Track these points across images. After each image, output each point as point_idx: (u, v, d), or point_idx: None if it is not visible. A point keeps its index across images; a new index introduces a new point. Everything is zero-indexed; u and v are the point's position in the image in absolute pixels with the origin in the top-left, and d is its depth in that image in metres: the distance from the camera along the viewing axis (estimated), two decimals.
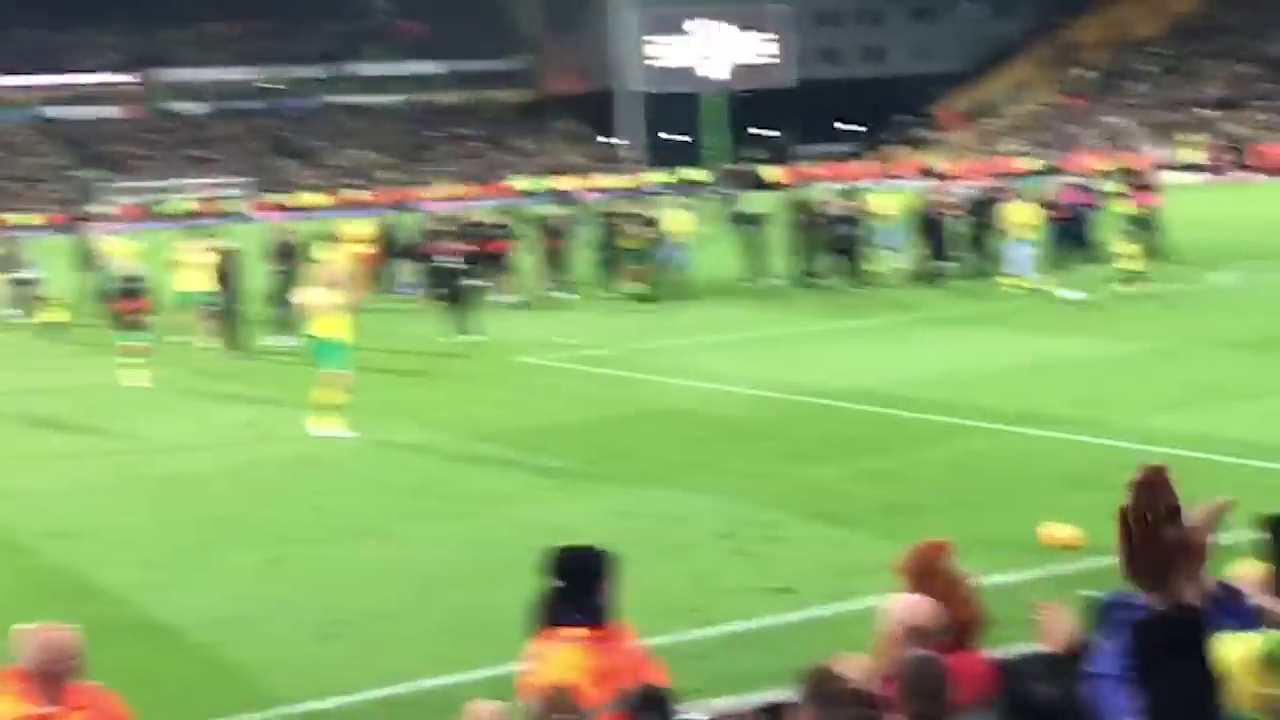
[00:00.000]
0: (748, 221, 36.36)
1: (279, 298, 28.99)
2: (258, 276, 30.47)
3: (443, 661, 10.54)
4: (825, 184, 57.30)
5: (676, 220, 35.76)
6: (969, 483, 15.04)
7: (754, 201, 41.11)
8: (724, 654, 10.34)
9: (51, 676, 6.50)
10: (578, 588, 7.17)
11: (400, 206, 58.43)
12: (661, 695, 6.24)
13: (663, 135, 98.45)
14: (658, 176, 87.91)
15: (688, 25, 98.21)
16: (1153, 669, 2.47)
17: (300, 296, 20.38)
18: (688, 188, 72.91)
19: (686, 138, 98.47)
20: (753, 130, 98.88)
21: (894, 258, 34.65)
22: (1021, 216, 31.58)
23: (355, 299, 20.29)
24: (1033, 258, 31.17)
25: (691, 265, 34.85)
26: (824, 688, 5.32)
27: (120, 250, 39.06)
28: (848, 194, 37.42)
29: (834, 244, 33.93)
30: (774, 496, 15.00)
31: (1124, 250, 29.53)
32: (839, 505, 14.54)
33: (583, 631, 7.07)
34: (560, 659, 6.94)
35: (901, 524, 13.61)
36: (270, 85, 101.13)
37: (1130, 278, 28.61)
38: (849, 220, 34.27)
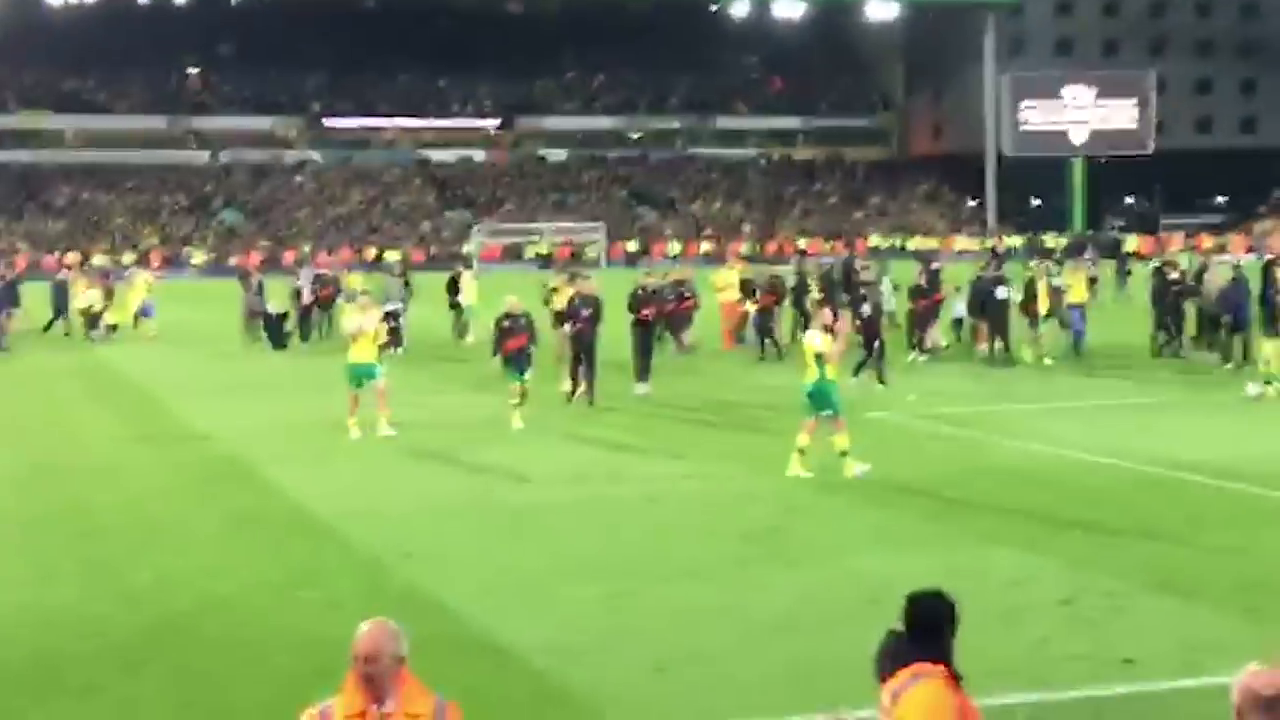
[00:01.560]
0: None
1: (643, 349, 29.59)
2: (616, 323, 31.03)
3: (767, 706, 10.57)
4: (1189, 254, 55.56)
5: (1076, 284, 35.01)
6: None
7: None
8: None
9: (371, 677, 6.70)
10: (926, 635, 7.06)
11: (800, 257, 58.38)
12: None
13: (1034, 200, 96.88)
14: (1017, 240, 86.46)
15: (1058, 89, 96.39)
16: None
17: (810, 341, 20.12)
18: (1045, 253, 71.44)
19: (1037, 201, 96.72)
20: (1128, 199, 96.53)
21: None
22: None
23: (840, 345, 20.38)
24: None
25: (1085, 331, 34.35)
26: None
27: (470, 288, 40.72)
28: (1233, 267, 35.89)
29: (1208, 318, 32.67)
30: (1118, 565, 14.57)
31: None
32: (1187, 578, 14.03)
33: (941, 669, 6.93)
34: (924, 694, 6.82)
35: (1255, 601, 13.11)
36: (632, 135, 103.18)
37: None
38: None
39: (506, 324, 25.34)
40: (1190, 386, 28.53)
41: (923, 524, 16.76)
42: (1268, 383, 26.35)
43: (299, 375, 33.45)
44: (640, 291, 30.34)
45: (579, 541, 16.36)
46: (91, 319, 43.93)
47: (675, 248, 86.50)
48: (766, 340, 34.94)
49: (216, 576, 14.91)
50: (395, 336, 37.79)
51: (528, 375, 24.84)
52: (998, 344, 32.76)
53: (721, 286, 37.46)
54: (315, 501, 18.57)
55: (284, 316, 40.42)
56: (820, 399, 19.52)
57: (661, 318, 32.29)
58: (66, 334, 44.37)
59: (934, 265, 36.60)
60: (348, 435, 23.35)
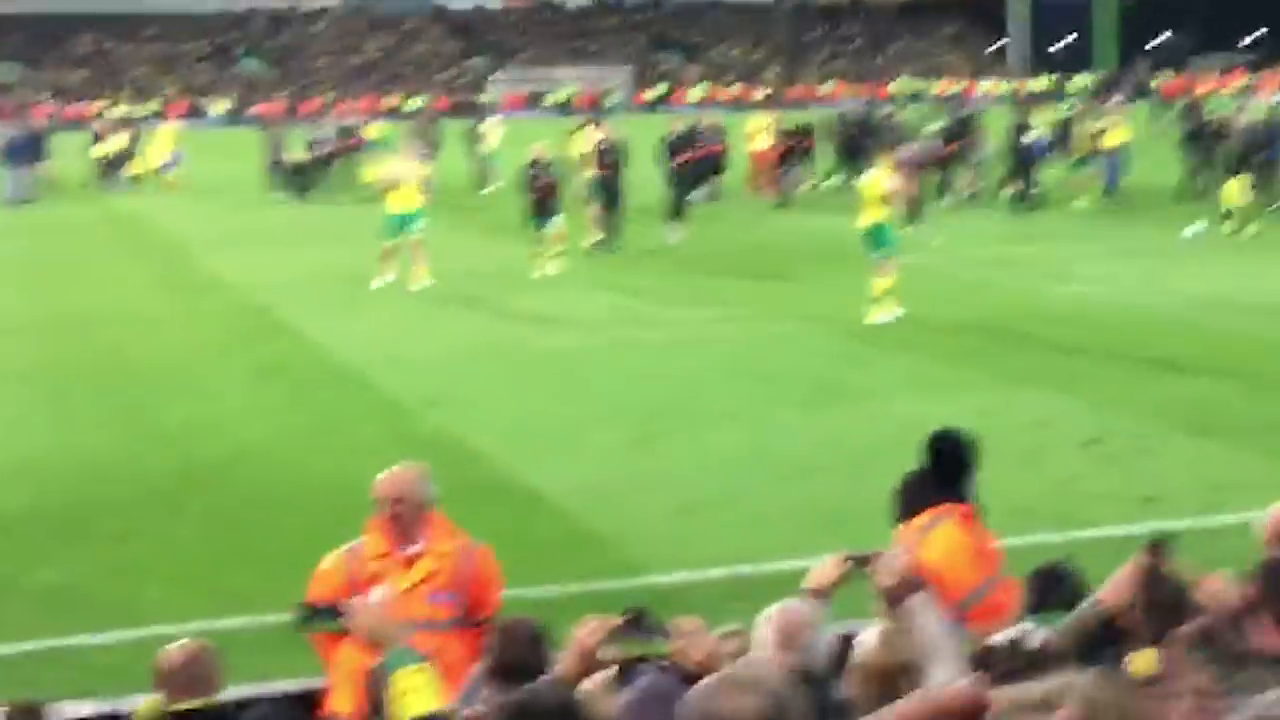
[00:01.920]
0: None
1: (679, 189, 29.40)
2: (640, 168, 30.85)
3: (793, 545, 10.62)
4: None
5: (1115, 128, 34.46)
6: None
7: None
8: (1085, 558, 10.15)
9: (398, 519, 6.76)
10: (948, 472, 7.12)
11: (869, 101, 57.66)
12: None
13: (1051, 48, 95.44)
14: (1042, 83, 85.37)
15: None
16: None
17: (878, 181, 20.13)
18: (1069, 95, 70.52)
19: (1069, 40, 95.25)
20: (1155, 41, 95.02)
21: None
22: None
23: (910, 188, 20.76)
24: None
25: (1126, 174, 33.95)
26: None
27: (493, 135, 40.44)
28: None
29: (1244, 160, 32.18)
30: (1145, 406, 14.58)
31: None
32: (1214, 419, 14.04)
33: (960, 508, 7.02)
34: (943, 534, 6.89)
35: (1278, 442, 13.12)
36: None
37: None
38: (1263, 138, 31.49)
39: (532, 172, 25.12)
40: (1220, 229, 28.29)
41: (949, 367, 16.75)
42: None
43: (322, 225, 33.35)
44: (673, 138, 30.05)
45: (606, 386, 16.44)
46: (108, 166, 43.55)
47: (699, 93, 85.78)
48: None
49: (246, 423, 15.04)
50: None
51: (554, 223, 24.64)
52: (1024, 186, 32.41)
53: (752, 133, 37.04)
54: (341, 349, 18.63)
55: (304, 166, 40.12)
56: (882, 238, 19.82)
57: (694, 163, 31.82)
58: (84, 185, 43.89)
59: (963, 110, 36.25)
60: (373, 284, 23.23)
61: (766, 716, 2.93)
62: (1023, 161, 32.59)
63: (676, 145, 29.99)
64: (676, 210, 28.94)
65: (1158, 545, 5.18)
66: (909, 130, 35.50)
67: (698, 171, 32.79)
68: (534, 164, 25.29)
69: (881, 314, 19.47)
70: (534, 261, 24.33)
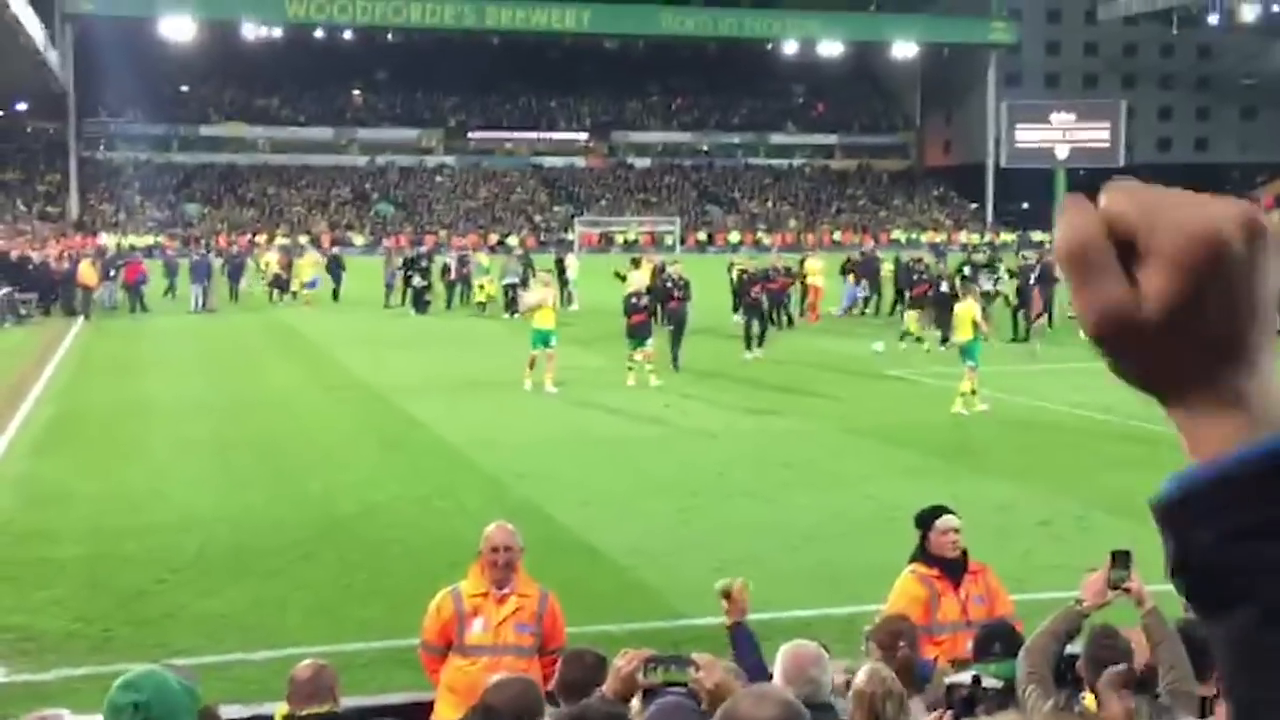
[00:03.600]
0: None
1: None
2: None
3: (804, 599, 10.61)
4: None
5: None
6: None
7: None
8: (1039, 616, 10.05)
9: (500, 564, 6.80)
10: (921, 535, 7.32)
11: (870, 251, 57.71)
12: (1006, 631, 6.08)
13: (1024, 204, 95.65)
14: (1009, 236, 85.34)
15: (1046, 114, 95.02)
16: None
17: (970, 310, 21.17)
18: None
19: (1026, 205, 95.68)
20: None
21: None
22: None
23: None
24: None
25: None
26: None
27: (574, 267, 40.40)
28: None
29: None
30: (1085, 494, 14.46)
31: None
32: (1141, 504, 13.81)
33: (922, 568, 7.11)
34: (899, 583, 7.15)
35: None
36: (703, 147, 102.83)
37: None
38: None
39: (633, 300, 23.97)
40: None
41: (930, 460, 16.70)
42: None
43: (438, 334, 33.56)
44: (746, 275, 28.94)
45: (657, 467, 16.44)
46: (279, 283, 43.76)
47: (735, 237, 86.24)
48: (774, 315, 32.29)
49: (371, 489, 15.12)
50: (513, 305, 37.75)
51: (649, 344, 23.60)
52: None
53: (810, 271, 36.39)
54: (449, 432, 18.73)
55: (427, 288, 39.95)
56: (973, 353, 20.74)
57: (769, 294, 30.73)
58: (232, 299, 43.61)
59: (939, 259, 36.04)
60: (522, 386, 22.50)
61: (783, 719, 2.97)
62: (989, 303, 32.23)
63: (752, 280, 28.64)
64: (758, 335, 27.54)
65: (1119, 555, 5.32)
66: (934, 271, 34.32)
67: (775, 302, 32.01)
68: (634, 294, 24.19)
69: (963, 408, 20.27)
70: (629, 374, 23.26)
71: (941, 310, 30.74)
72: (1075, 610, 5.40)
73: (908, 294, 31.79)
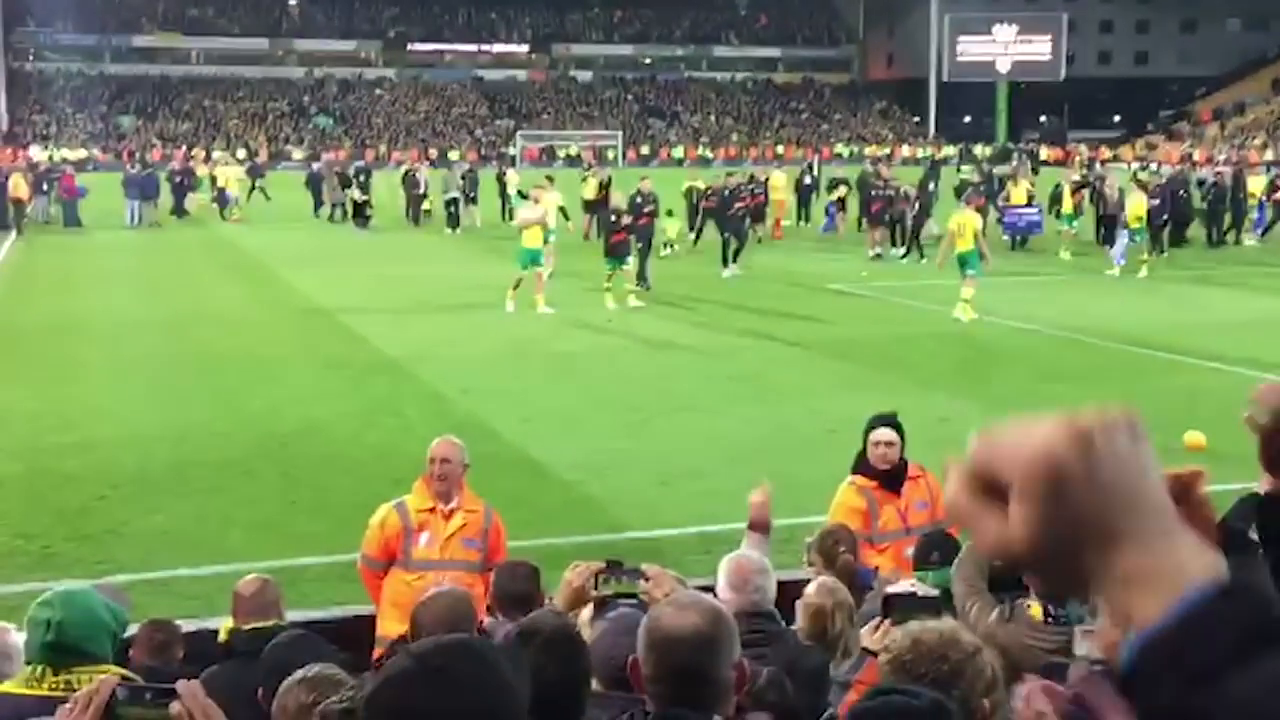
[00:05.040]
0: None
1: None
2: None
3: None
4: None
5: (1017, 192, 33.22)
6: (1195, 407, 14.28)
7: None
8: None
9: (438, 476, 6.79)
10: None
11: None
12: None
13: (966, 118, 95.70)
14: (950, 150, 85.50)
15: (988, 26, 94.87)
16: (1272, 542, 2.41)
17: (969, 221, 21.41)
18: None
19: (968, 119, 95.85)
20: (1041, 118, 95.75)
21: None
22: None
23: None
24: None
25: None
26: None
27: (514, 180, 39.89)
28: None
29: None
30: (1026, 406, 14.58)
31: None
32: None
33: (860, 479, 7.21)
34: (838, 493, 7.34)
35: None
36: (645, 60, 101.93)
37: None
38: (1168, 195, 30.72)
39: (613, 219, 23.12)
40: (1083, 270, 28.34)
41: (873, 373, 16.79)
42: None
43: (382, 250, 33.21)
44: (726, 191, 28.17)
45: (601, 382, 16.44)
46: (223, 199, 42.60)
47: (679, 153, 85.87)
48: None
49: (314, 405, 15.02)
50: (453, 219, 37.41)
51: (629, 262, 23.06)
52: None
53: (775, 187, 36.06)
54: (391, 348, 18.61)
55: (368, 203, 39.26)
56: (972, 261, 21.06)
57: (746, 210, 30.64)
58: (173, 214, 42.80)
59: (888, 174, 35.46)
60: (504, 307, 21.79)
61: (702, 632, 2.91)
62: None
63: (732, 196, 27.95)
64: (735, 252, 27.03)
65: None
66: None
67: (752, 218, 31.24)
68: (613, 211, 23.36)
69: (961, 314, 20.68)
70: (606, 295, 22.37)
71: (899, 224, 30.65)
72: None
73: (871, 209, 31.36)
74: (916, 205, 30.72)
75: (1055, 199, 32.75)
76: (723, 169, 39.17)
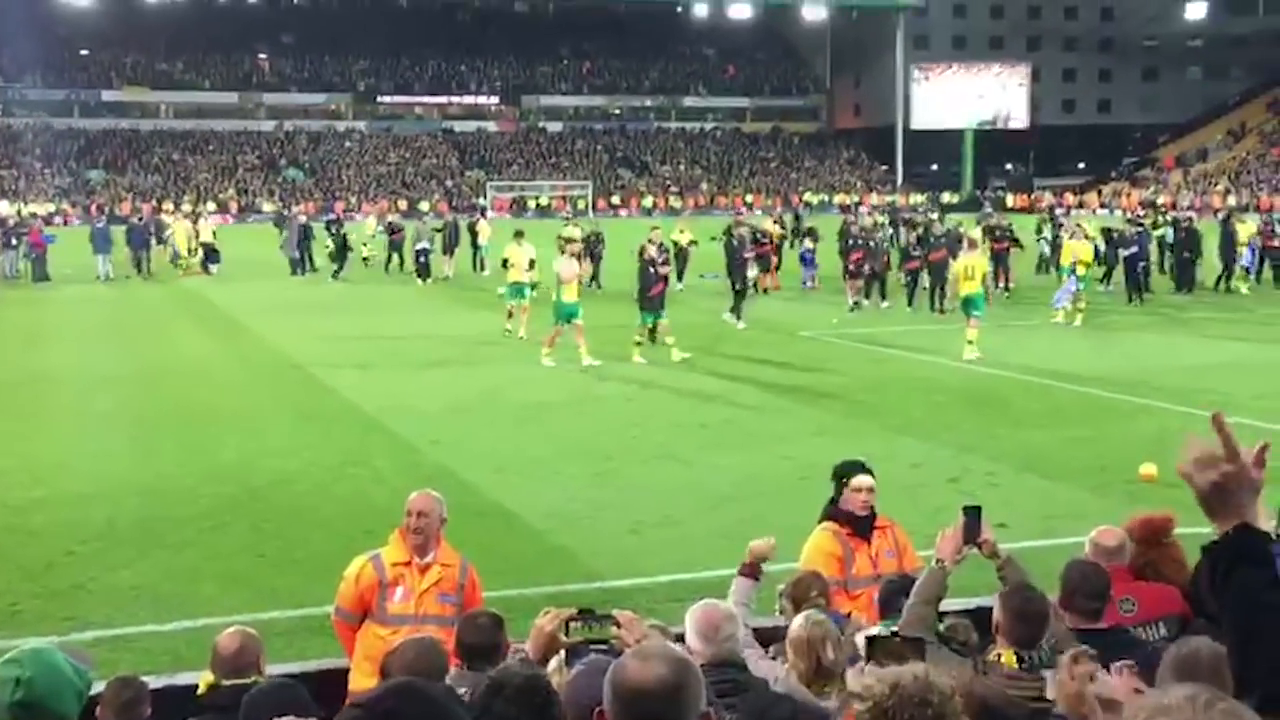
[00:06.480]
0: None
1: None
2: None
3: (720, 558, 10.63)
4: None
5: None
6: (1163, 450, 14.37)
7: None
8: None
9: (415, 529, 6.74)
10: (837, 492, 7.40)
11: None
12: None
13: (933, 165, 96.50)
14: (919, 198, 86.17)
15: (954, 76, 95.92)
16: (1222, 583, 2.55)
17: (976, 264, 22.27)
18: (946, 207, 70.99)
19: (935, 166, 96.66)
20: (1008, 165, 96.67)
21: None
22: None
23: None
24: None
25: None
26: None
27: (486, 231, 39.99)
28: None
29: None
30: (994, 451, 14.68)
31: None
32: (1048, 461, 14.15)
33: (834, 525, 7.21)
34: (811, 539, 7.26)
35: (1102, 480, 13.22)
36: (614, 110, 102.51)
37: None
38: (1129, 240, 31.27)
39: (652, 271, 22.29)
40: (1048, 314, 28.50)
41: (843, 419, 16.83)
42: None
43: (352, 301, 33.19)
44: (739, 238, 27.84)
45: (571, 431, 16.40)
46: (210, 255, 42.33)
47: (648, 201, 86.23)
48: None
49: (284, 457, 14.93)
50: (424, 271, 37.44)
51: (664, 315, 22.39)
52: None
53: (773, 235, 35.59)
54: (362, 400, 18.54)
55: (340, 252, 39.37)
56: (977, 304, 21.83)
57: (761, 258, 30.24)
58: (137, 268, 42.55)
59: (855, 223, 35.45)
60: (540, 362, 21.40)
61: (667, 683, 2.88)
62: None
63: (743, 244, 27.75)
64: (741, 299, 26.67)
65: (970, 510, 5.51)
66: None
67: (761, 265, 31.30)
68: (651, 263, 22.37)
69: (970, 355, 21.37)
70: (637, 350, 21.98)
71: (875, 276, 30.39)
72: (938, 570, 5.49)
73: (849, 259, 30.69)
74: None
75: (1055, 248, 33.04)
76: (728, 215, 38.78)
